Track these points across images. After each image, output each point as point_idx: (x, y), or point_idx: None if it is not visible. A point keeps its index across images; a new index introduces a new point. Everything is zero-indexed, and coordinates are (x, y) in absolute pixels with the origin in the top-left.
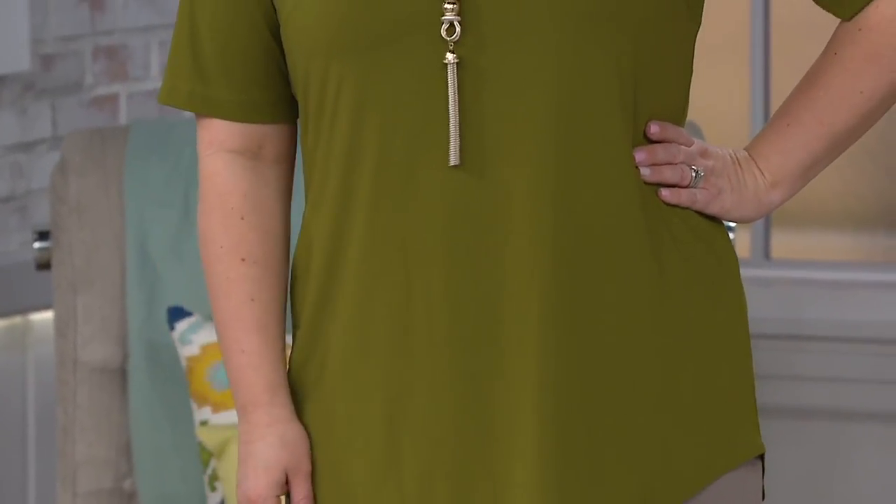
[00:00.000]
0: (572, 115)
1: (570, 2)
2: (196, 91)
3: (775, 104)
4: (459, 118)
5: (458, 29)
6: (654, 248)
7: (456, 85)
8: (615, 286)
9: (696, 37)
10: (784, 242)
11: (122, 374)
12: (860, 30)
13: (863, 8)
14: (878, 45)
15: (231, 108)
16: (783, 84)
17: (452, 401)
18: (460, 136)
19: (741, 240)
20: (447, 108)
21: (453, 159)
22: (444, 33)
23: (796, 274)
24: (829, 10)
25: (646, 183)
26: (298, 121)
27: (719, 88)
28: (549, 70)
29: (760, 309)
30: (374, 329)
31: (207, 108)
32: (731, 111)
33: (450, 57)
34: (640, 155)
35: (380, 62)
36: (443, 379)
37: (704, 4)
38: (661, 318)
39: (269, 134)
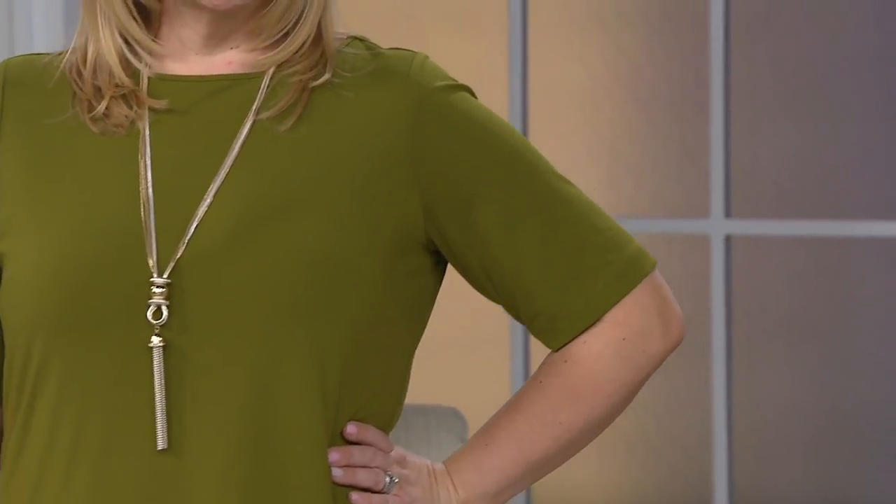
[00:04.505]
0: (265, 409)
1: (276, 296)
2: None
3: None
4: (167, 402)
5: (165, 313)
6: None
7: (162, 369)
8: None
9: (414, 346)
10: None
11: None
12: (566, 362)
13: (570, 341)
14: (581, 380)
15: None
16: None
17: None
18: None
19: None
20: (151, 391)
21: (161, 444)
22: (150, 316)
23: None
24: (539, 339)
25: (337, 484)
26: None
27: (480, 377)
28: (246, 361)
29: None
30: None
31: None
32: (492, 399)
33: (155, 340)
34: (333, 455)
35: (84, 343)
36: None
37: (430, 312)
38: None
39: None
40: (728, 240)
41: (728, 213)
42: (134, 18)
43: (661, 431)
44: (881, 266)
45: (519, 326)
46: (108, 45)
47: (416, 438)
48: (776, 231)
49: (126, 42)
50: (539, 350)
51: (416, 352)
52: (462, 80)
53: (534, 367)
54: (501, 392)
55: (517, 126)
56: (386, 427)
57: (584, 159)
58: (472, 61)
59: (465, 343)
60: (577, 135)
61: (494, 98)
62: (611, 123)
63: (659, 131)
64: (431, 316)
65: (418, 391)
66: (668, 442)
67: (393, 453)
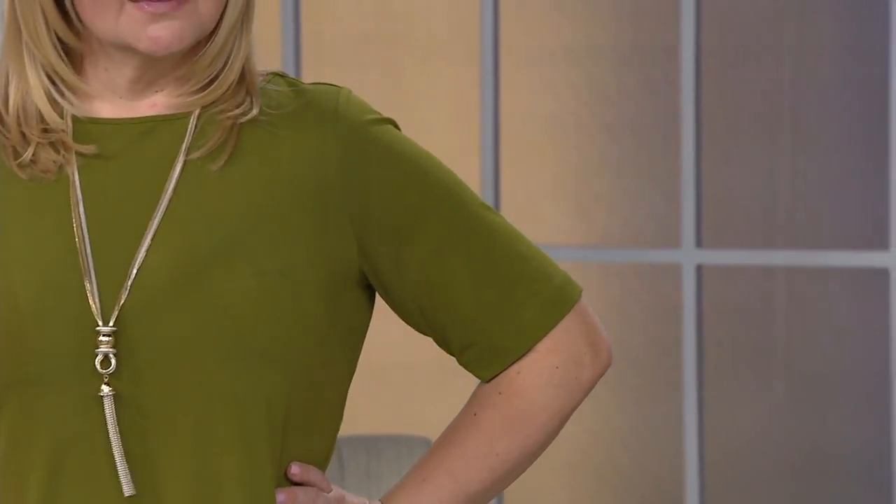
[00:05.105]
0: (214, 455)
1: (222, 342)
2: None
3: None
4: (123, 449)
5: (113, 362)
6: None
7: (115, 417)
8: None
9: (349, 382)
10: None
11: None
12: (500, 393)
13: (503, 372)
14: (516, 410)
15: None
16: None
17: None
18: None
19: None
20: (107, 440)
21: (127, 490)
22: (98, 366)
23: None
24: (470, 371)
25: None
26: None
27: (451, 406)
28: (194, 407)
29: None
30: None
31: None
32: None
33: (105, 389)
34: (280, 496)
35: (37, 399)
36: None
37: (362, 347)
38: None
39: None
40: (699, 269)
41: (699, 243)
42: (61, 58)
43: (632, 462)
44: (852, 296)
45: None
46: (36, 86)
47: (387, 468)
48: (747, 260)
49: (52, 83)
50: None
51: (387, 381)
52: (435, 109)
53: None
54: None
55: (489, 156)
56: (323, 464)
57: (555, 189)
58: (445, 90)
59: (435, 372)
60: (549, 164)
61: (466, 127)
62: (582, 153)
63: (630, 161)
64: (402, 345)
65: (389, 421)
66: (639, 472)
67: (332, 494)
